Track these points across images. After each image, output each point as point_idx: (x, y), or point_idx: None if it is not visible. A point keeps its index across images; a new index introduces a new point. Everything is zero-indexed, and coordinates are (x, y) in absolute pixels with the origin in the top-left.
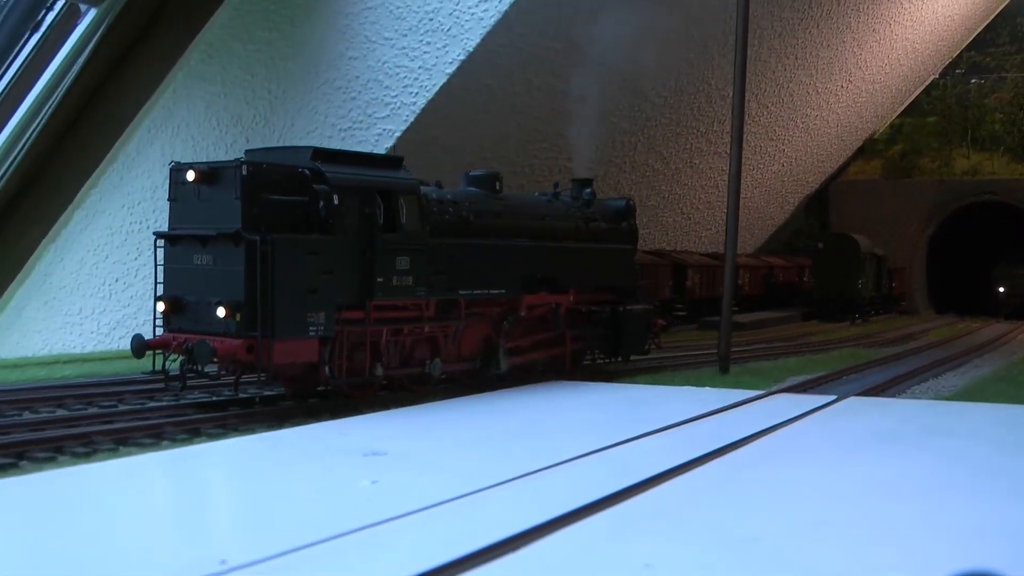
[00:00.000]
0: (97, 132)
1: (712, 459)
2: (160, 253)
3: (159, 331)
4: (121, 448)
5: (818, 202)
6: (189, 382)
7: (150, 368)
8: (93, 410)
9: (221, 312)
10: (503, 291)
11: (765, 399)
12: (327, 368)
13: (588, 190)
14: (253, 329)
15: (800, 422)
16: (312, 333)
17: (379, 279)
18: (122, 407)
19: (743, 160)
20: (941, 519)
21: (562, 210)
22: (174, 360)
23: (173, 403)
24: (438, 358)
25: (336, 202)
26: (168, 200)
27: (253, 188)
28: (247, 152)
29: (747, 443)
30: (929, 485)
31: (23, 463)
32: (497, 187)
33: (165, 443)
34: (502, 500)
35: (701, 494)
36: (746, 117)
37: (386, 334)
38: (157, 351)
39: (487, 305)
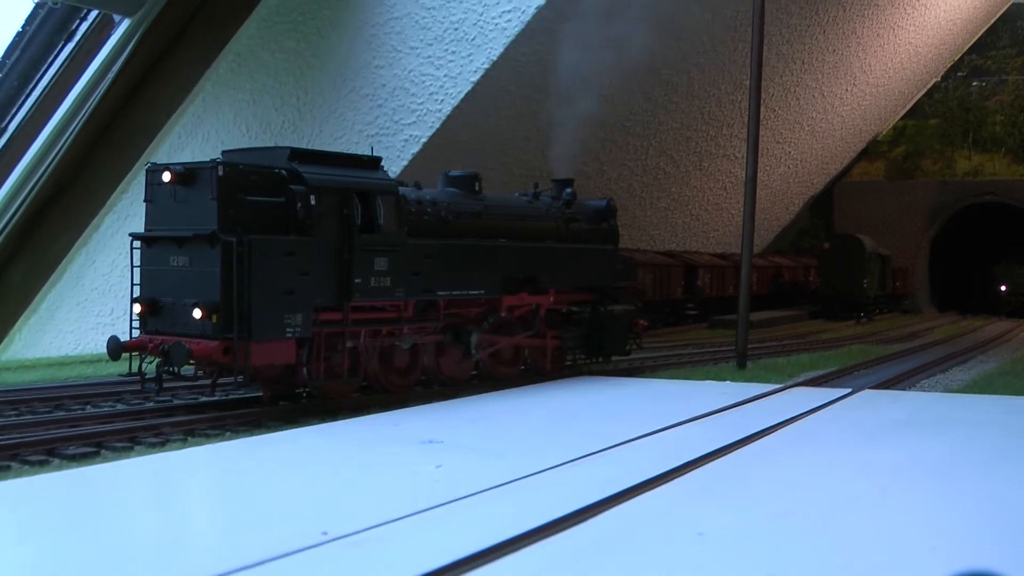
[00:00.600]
0: (129, 139)
1: (741, 446)
2: (137, 255)
3: (135, 333)
4: (189, 439)
5: (823, 203)
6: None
7: (126, 370)
8: (150, 404)
9: (197, 314)
10: (482, 292)
11: (783, 392)
12: (305, 369)
13: (568, 190)
14: (230, 330)
15: (819, 413)
16: (289, 334)
17: (357, 280)
18: (176, 401)
19: None
20: (955, 497)
21: (542, 210)
22: (151, 362)
23: (223, 398)
24: (411, 334)
25: (313, 203)
26: (144, 201)
27: (229, 189)
28: (224, 153)
29: (772, 432)
30: (943, 468)
31: (104, 452)
32: (476, 187)
33: (228, 434)
34: (559, 481)
35: (734, 477)
36: None
37: (364, 335)
38: (134, 353)
39: (466, 306)
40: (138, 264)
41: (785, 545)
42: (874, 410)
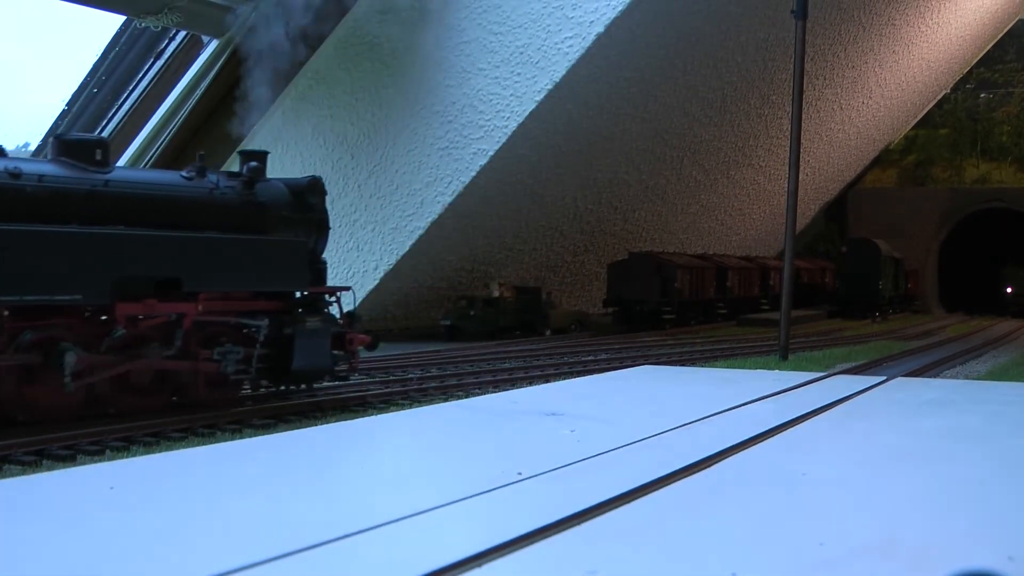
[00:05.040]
0: (212, 151)
1: (811, 416)
2: None
3: None
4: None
5: (837, 208)
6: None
7: None
8: None
9: None
10: (79, 297)
11: (829, 379)
12: None
13: (252, 163)
14: None
15: (865, 395)
16: None
17: None
18: None
19: (772, 170)
20: (994, 450)
21: (203, 191)
22: None
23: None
24: None
25: None
26: None
27: None
28: None
29: (831, 407)
30: (980, 432)
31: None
32: (98, 157)
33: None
34: (673, 442)
35: (819, 437)
36: (779, 132)
37: None
38: None
39: (52, 317)
40: None
41: (875, 482)
42: (911, 392)
